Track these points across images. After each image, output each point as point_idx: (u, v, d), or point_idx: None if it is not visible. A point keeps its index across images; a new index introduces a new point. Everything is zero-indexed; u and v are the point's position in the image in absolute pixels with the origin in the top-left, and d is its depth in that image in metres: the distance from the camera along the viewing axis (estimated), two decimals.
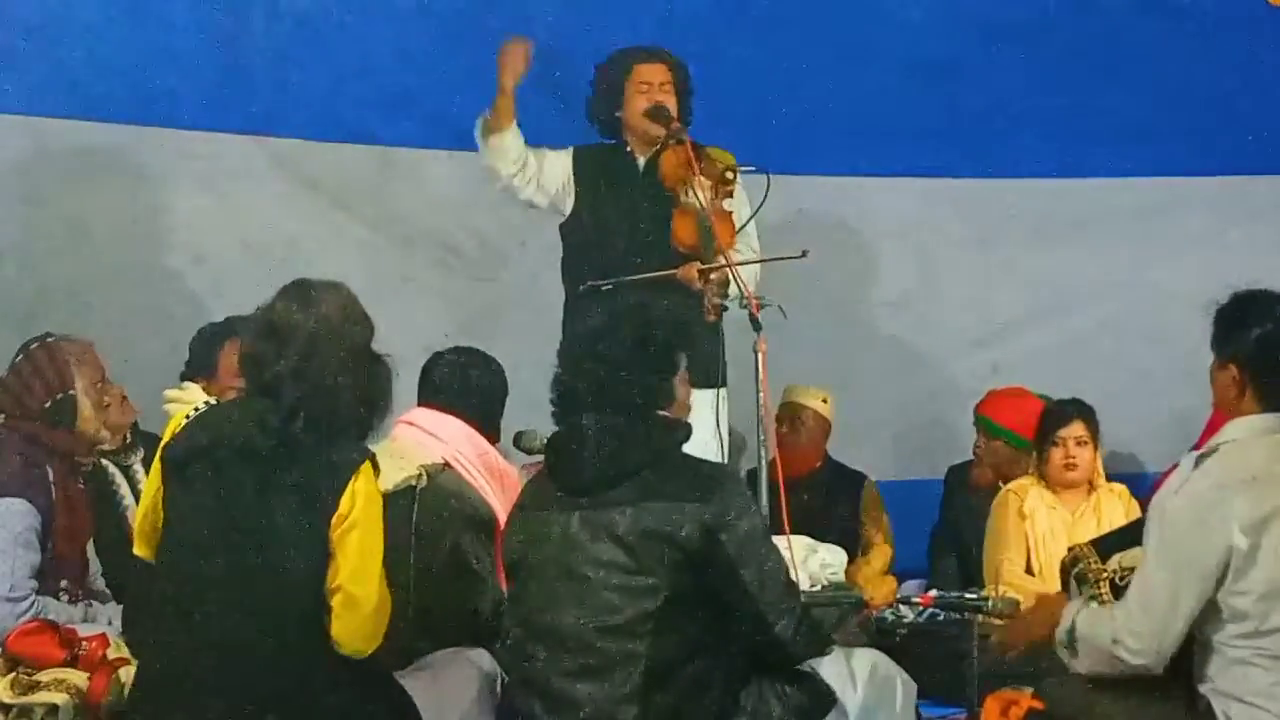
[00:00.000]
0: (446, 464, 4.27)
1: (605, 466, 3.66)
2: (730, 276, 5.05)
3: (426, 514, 4.12)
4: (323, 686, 3.51)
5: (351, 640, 3.53)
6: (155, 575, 3.70)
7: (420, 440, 4.28)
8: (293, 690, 3.49)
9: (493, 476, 4.33)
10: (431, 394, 4.47)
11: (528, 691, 3.68)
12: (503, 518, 4.12)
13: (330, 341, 3.58)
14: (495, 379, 4.54)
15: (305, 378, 3.54)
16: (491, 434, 4.47)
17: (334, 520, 3.49)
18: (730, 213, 5.36)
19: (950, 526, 6.35)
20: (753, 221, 5.39)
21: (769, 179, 5.18)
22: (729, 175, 5.32)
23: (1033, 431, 6.00)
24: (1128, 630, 3.56)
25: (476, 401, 4.45)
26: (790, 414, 6.44)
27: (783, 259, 5.08)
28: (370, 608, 3.53)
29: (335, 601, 3.50)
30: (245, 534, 3.51)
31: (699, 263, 5.20)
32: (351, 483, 3.51)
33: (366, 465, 3.57)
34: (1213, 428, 5.71)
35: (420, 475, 4.16)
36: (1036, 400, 6.14)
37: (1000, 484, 6.10)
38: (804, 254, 5.08)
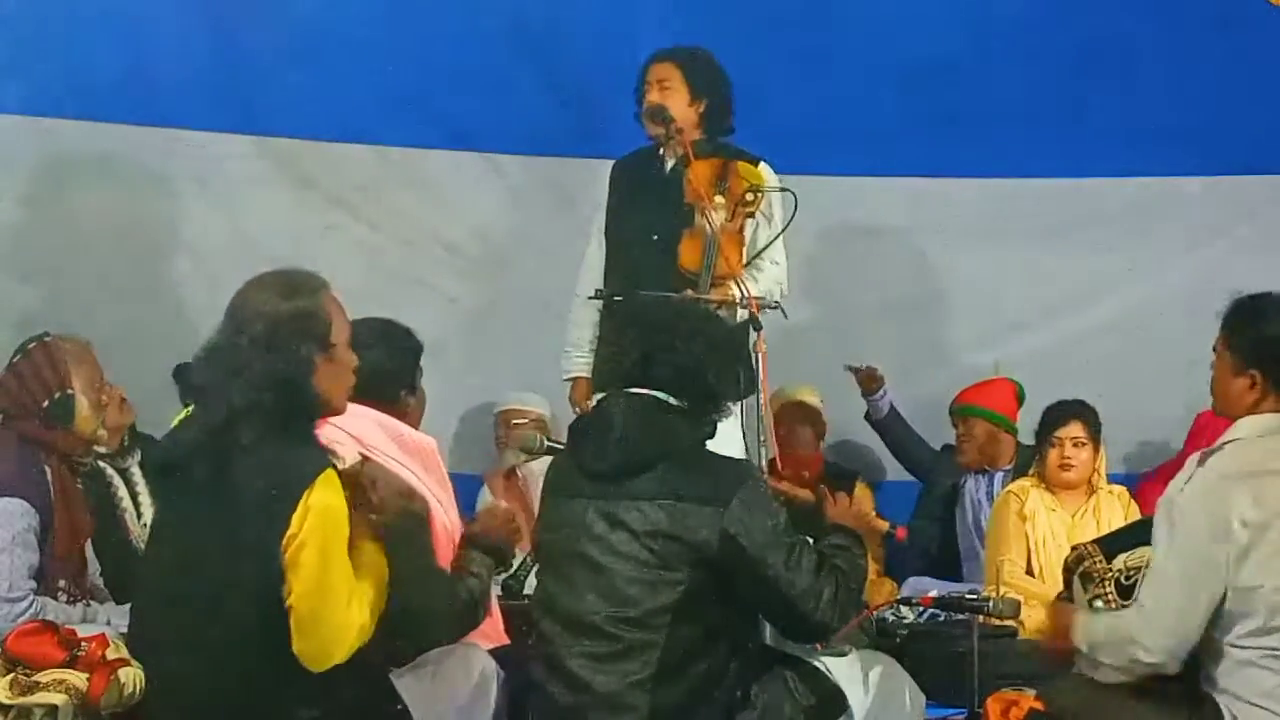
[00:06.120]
0: (365, 458, 4.17)
1: (627, 452, 3.70)
2: (733, 299, 5.02)
3: None
4: (298, 699, 3.43)
5: (313, 658, 3.41)
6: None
7: (336, 438, 4.13)
8: (265, 703, 3.42)
9: (411, 456, 4.15)
10: None
11: (549, 671, 3.75)
12: (431, 497, 3.98)
13: (251, 345, 3.45)
14: (393, 350, 4.25)
15: (231, 386, 3.42)
16: (403, 400, 4.26)
17: (285, 539, 3.36)
18: (743, 238, 5.29)
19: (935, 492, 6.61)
20: (781, 236, 5.35)
21: (796, 201, 5.14)
22: (749, 198, 5.23)
23: (1006, 408, 6.35)
24: (1144, 628, 3.54)
25: (376, 383, 4.19)
26: (794, 415, 6.48)
27: (765, 306, 5.01)
28: (330, 624, 3.41)
29: (292, 620, 3.38)
30: (203, 544, 3.43)
31: (693, 290, 5.13)
32: (304, 498, 3.37)
33: (324, 475, 3.41)
34: (1202, 430, 5.76)
35: None
36: (1004, 380, 6.48)
37: (986, 466, 6.39)
38: (784, 315, 5.08)
